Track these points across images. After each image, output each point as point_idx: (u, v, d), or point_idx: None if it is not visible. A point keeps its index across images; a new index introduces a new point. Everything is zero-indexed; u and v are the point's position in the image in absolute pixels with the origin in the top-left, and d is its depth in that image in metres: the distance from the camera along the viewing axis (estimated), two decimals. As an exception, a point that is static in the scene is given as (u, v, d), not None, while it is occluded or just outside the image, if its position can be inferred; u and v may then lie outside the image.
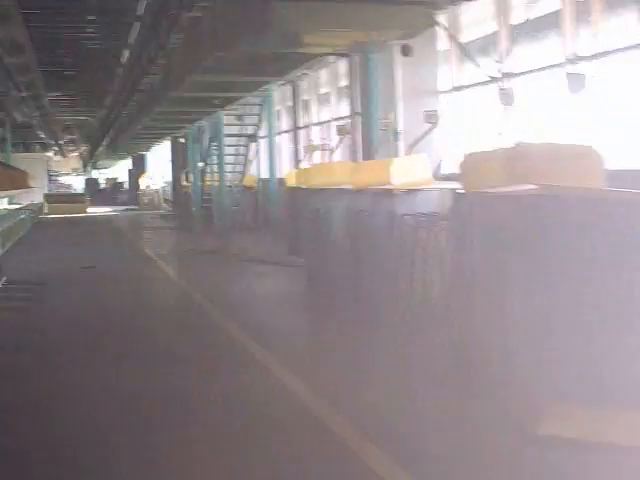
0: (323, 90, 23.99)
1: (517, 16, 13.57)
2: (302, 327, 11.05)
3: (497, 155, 8.06)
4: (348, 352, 8.86)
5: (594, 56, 12.00)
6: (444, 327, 8.05)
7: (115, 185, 63.77)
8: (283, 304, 12.57)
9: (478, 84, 14.51)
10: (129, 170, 59.84)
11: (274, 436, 6.07)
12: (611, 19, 12.10)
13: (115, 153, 49.72)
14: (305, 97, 25.69)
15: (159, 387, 7.60)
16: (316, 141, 22.97)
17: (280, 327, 10.68)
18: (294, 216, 16.26)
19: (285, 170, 24.68)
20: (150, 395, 7.36)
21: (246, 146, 24.20)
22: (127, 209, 47.22)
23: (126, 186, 60.45)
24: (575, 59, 12.01)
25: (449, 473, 5.30)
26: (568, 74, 8.77)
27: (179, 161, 32.78)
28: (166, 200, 42.08)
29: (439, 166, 13.45)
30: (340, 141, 16.57)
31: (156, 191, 47.23)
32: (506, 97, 11.88)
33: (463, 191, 8.07)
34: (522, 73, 13.80)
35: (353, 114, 17.97)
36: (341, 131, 15.76)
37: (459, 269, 7.73)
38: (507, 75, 13.48)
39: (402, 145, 15.03)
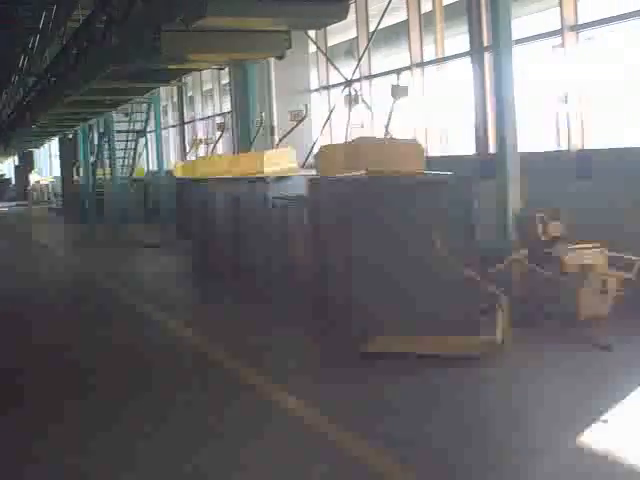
0: (207, 87, 25.74)
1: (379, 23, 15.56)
2: (187, 292, 13.04)
3: (342, 147, 10.11)
4: (221, 307, 10.89)
5: (432, 62, 14.24)
6: (308, 285, 10.04)
7: (2, 182, 63.83)
8: (174, 277, 14.48)
9: (339, 85, 16.54)
10: (16, 166, 60.13)
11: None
12: (451, 30, 14.31)
13: (4, 151, 50.19)
14: (190, 93, 27.38)
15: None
16: (201, 135, 24.70)
17: (169, 293, 12.70)
18: (181, 204, 18.04)
19: (173, 162, 26.40)
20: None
21: (135, 141, 25.79)
22: (17, 205, 47.90)
23: (13, 182, 60.69)
24: (400, 69, 14.27)
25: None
26: (392, 85, 10.80)
27: (68, 156, 34.01)
28: (56, 195, 43.03)
29: (310, 156, 15.37)
30: (221, 135, 18.41)
31: (46, 186, 48.04)
32: (350, 98, 13.97)
33: (317, 176, 10.10)
34: (370, 76, 15.93)
35: (234, 110, 19.85)
36: (220, 127, 17.61)
37: (316, 237, 9.71)
38: (357, 79, 15.58)
39: (276, 139, 16.99)
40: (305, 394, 6.74)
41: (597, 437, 5.38)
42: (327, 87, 17.88)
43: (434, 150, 14.27)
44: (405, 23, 15.07)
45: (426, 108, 14.48)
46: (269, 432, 5.94)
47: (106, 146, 25.27)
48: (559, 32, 11.07)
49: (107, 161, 25.41)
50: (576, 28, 10.88)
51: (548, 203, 9.59)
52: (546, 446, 5.38)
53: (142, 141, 26.23)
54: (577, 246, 9.07)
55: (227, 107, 22.50)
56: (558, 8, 11.04)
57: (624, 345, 7.72)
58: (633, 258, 8.87)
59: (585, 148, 10.86)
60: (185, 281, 14.15)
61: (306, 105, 14.54)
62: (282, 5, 8.02)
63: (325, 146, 11.15)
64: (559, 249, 9.12)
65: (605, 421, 5.65)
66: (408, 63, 14.74)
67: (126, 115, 25.94)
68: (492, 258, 9.36)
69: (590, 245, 9.06)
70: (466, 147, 13.60)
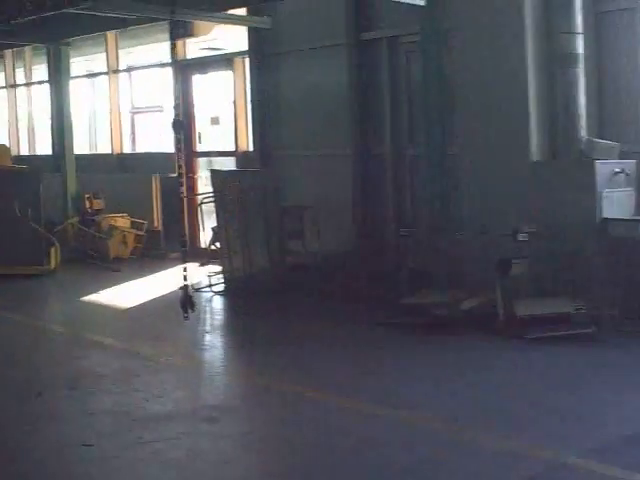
0: None
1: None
2: None
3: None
4: None
5: (22, 85, 19.06)
6: None
7: None
8: None
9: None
10: None
11: None
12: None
13: None
14: None
15: None
16: None
17: None
18: None
19: None
20: None
21: None
22: None
23: None
24: None
25: None
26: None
27: None
28: None
29: None
30: None
31: None
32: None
33: None
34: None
35: None
36: None
37: None
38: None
39: None
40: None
41: (92, 298, 10.80)
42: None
43: (25, 150, 19.10)
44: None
45: (18, 120, 19.28)
46: None
47: None
48: (107, 73, 16.37)
49: None
50: (117, 71, 16.23)
51: (97, 187, 14.86)
52: (68, 300, 10.77)
53: None
54: (111, 215, 14.47)
55: None
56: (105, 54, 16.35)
57: (128, 269, 13.14)
58: (143, 222, 14.40)
59: (123, 152, 16.28)
60: None
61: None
62: None
63: None
64: (99, 217, 14.47)
65: (98, 293, 11.08)
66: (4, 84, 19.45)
67: None
68: (58, 222, 14.52)
69: (120, 214, 14.49)
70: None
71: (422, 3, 9.51)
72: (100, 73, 16.75)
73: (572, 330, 7.95)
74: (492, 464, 5.14)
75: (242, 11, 12.80)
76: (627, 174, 8.90)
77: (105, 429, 6.10)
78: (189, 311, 7.89)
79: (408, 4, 9.81)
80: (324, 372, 7.24)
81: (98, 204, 14.80)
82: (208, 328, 9.39)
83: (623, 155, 9.08)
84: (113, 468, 5.37)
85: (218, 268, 11.50)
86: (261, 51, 12.98)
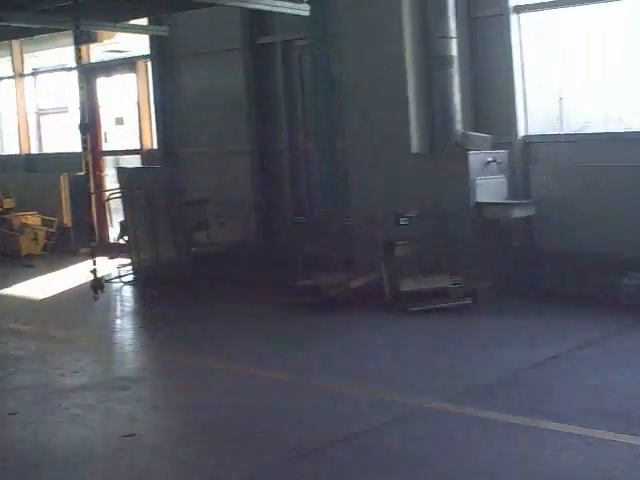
0: None
1: None
2: None
3: None
4: None
5: None
6: None
7: None
8: None
9: None
10: None
11: None
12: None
13: None
14: None
15: None
16: None
17: None
18: None
19: None
20: None
21: None
22: None
23: None
24: None
25: None
26: None
27: None
28: None
29: None
30: None
31: None
32: None
33: None
34: None
35: None
36: None
37: None
38: None
39: None
40: None
41: (6, 291, 11.33)
42: None
43: None
44: None
45: None
46: None
47: None
48: (12, 77, 16.79)
49: None
50: (23, 75, 16.65)
51: (7, 187, 15.30)
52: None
53: None
54: (22, 213, 14.95)
55: None
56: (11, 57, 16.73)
57: (40, 264, 13.65)
58: (53, 219, 14.93)
59: (30, 153, 16.73)
60: None
61: None
62: None
63: None
64: (10, 215, 14.95)
65: (12, 287, 11.61)
66: None
67: None
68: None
69: (30, 213, 14.99)
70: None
71: (306, 13, 10.30)
72: (5, 77, 17.16)
73: (450, 302, 8.89)
74: (368, 410, 6.04)
75: (143, 20, 13.44)
76: (499, 163, 9.86)
77: (27, 400, 6.77)
78: (99, 292, 8.64)
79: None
80: (228, 346, 8.05)
81: (9, 203, 15.25)
82: (119, 314, 10.12)
83: (496, 146, 10.06)
84: (36, 430, 6.06)
85: (127, 261, 12.15)
86: (163, 55, 13.67)
